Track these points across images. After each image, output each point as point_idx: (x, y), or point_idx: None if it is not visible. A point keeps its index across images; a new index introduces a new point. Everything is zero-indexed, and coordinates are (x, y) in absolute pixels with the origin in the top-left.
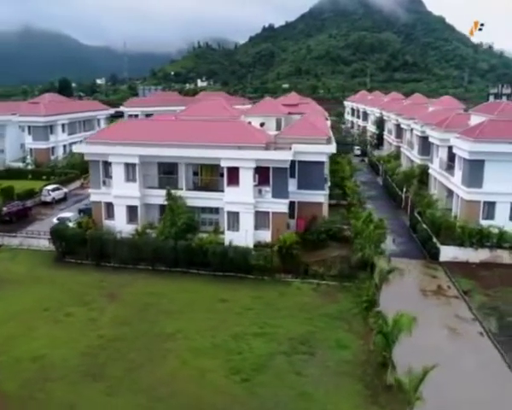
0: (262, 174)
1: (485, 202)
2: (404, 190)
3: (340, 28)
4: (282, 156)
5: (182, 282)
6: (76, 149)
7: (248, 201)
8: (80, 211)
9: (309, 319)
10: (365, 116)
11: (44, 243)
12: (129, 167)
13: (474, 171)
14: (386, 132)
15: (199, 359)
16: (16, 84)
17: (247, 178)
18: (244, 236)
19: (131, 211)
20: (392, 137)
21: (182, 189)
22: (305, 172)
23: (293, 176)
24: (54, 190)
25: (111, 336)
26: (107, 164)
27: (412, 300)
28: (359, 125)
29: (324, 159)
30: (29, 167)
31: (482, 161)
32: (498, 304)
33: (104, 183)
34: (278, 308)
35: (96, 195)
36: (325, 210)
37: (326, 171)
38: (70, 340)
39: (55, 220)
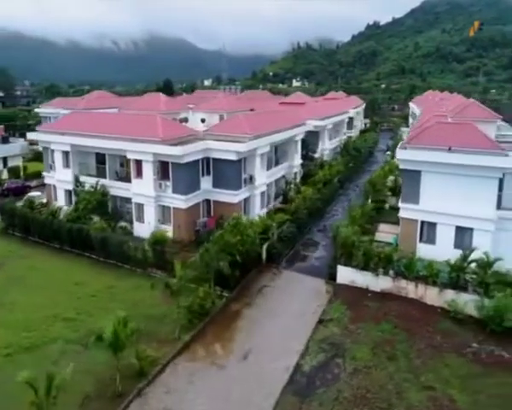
0: (165, 169)
1: (423, 222)
2: None
3: (455, 22)
4: (175, 152)
5: (67, 262)
6: (29, 135)
7: (149, 194)
8: None
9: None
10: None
11: None
12: (65, 155)
13: (409, 183)
14: None
15: None
16: (145, 83)
17: (148, 171)
18: (147, 228)
19: (68, 194)
20: None
21: (106, 178)
22: (219, 170)
23: (208, 173)
24: None
25: None
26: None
27: (263, 318)
28: None
29: (235, 157)
30: None
31: (418, 172)
32: (343, 341)
33: (51, 167)
34: (116, 300)
35: (47, 178)
36: (237, 212)
37: (255, 170)
38: None
39: (27, 197)
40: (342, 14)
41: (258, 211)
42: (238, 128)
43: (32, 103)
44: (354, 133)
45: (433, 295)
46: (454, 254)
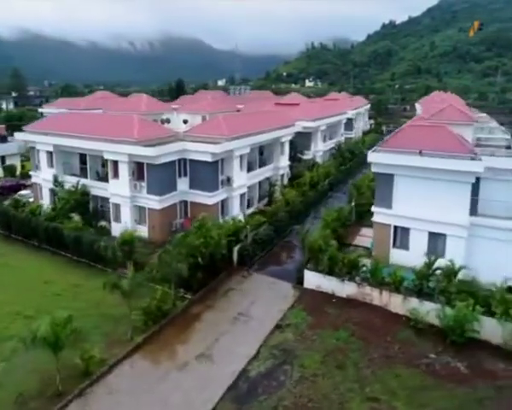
0: (141, 169)
1: (396, 227)
2: None
3: (474, 20)
4: (148, 152)
5: (42, 260)
6: (16, 136)
7: (125, 194)
8: None
9: (87, 315)
10: None
11: None
12: (49, 155)
13: (382, 187)
14: None
15: None
16: (160, 83)
17: (123, 171)
18: (124, 228)
19: (52, 193)
20: None
21: (87, 178)
22: (195, 171)
23: (185, 174)
24: None
25: None
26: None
27: (222, 321)
28: None
29: (209, 159)
30: None
31: (391, 176)
32: (296, 348)
33: (37, 167)
34: (79, 299)
35: (34, 177)
36: (214, 213)
37: (232, 172)
38: None
39: (16, 196)
40: (358, 14)
41: (237, 213)
42: (216, 129)
43: (45, 103)
44: (355, 134)
45: (397, 303)
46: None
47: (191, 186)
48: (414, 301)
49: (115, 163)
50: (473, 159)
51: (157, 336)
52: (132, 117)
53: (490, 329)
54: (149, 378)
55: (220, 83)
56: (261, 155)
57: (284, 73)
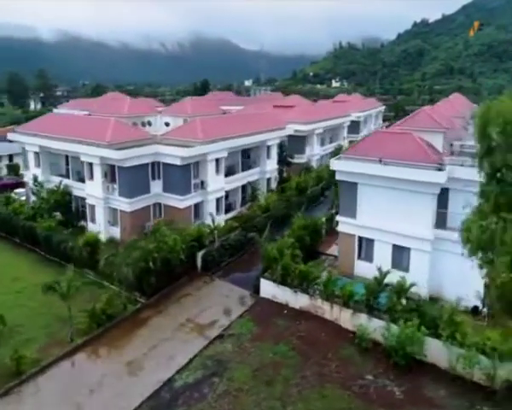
0: (114, 172)
1: (361, 238)
2: None
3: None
4: (115, 155)
5: (19, 257)
6: (9, 136)
7: (99, 195)
8: None
9: (38, 314)
10: None
11: None
12: (36, 155)
13: (346, 196)
14: None
15: None
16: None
17: (97, 173)
18: (98, 229)
19: (31, 192)
20: None
21: (70, 179)
22: (168, 174)
23: (160, 177)
24: None
25: None
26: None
27: (167, 327)
28: None
29: (179, 162)
30: None
31: (354, 185)
32: (231, 360)
33: (26, 166)
34: (35, 298)
35: (25, 176)
36: (186, 217)
37: (207, 175)
38: None
39: (12, 194)
40: (390, 13)
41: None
42: (190, 133)
43: None
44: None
45: (346, 318)
46: (393, 274)
47: (164, 189)
48: (363, 318)
49: (90, 165)
50: (439, 169)
51: (97, 339)
52: (109, 120)
53: (437, 352)
54: (75, 381)
55: (247, 83)
56: (248, 158)
57: (311, 74)
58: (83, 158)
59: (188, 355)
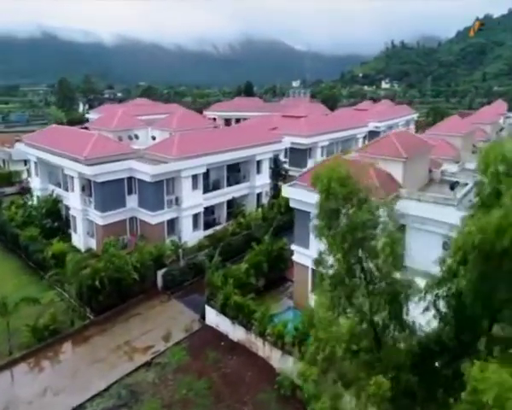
0: (90, 186)
1: (314, 270)
2: None
3: None
4: (87, 171)
5: (5, 262)
6: (16, 146)
7: (78, 207)
8: None
9: None
10: None
11: None
12: (35, 165)
13: (299, 225)
14: None
15: None
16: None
17: (76, 186)
18: (79, 239)
19: (38, 199)
20: None
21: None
22: (142, 190)
23: (135, 192)
24: None
25: None
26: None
27: (104, 349)
28: None
29: (149, 179)
30: None
31: (307, 213)
32: (146, 391)
33: (30, 175)
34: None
35: (30, 183)
36: (159, 233)
37: (182, 192)
38: None
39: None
40: (449, 10)
41: (190, 233)
42: (166, 149)
43: None
44: None
45: (277, 358)
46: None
47: (139, 204)
48: (291, 360)
49: (72, 178)
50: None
51: (32, 355)
52: (92, 134)
53: None
54: None
55: (294, 84)
56: (238, 172)
57: (360, 74)
58: (66, 171)
59: (108, 381)
